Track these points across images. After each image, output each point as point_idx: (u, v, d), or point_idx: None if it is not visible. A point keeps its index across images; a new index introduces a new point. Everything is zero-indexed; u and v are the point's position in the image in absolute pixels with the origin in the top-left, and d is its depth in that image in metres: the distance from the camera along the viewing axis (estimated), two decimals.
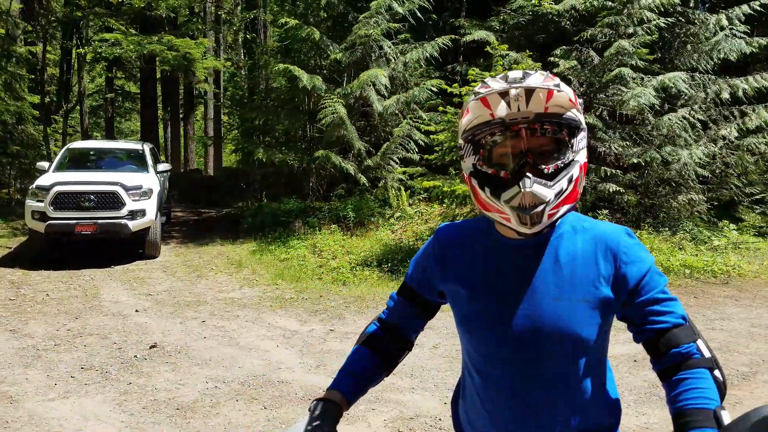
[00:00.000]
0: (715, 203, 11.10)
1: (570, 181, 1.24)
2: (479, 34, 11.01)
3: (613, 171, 9.83)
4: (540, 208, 1.20)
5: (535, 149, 1.23)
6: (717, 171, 10.87)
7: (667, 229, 9.81)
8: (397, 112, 10.98)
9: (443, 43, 11.28)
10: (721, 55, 10.69)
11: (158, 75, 21.82)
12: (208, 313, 6.62)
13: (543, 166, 1.22)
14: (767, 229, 12.01)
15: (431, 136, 8.88)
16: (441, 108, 8.72)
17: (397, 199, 11.11)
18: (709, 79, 10.66)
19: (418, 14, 11.67)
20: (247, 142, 12.43)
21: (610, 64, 10.05)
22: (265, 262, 9.38)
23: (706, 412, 1.13)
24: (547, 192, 1.20)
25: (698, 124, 10.13)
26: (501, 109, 1.21)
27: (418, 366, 4.94)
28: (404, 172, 9.32)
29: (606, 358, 1.37)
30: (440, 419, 3.96)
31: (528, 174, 1.20)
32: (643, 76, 9.92)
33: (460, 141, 1.33)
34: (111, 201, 8.86)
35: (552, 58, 10.32)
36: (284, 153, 11.76)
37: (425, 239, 9.28)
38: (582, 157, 1.27)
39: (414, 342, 1.54)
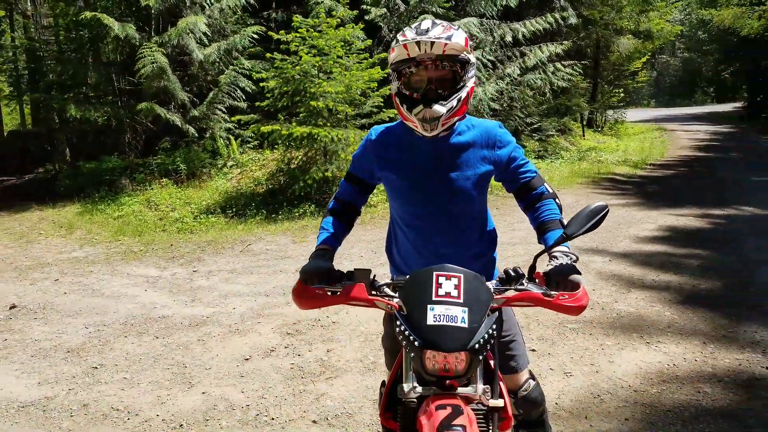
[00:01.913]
0: None
1: (459, 101, 1.85)
2: None
3: None
4: (435, 120, 1.82)
5: (437, 78, 1.83)
6: (504, 105, 12.71)
7: None
8: (218, 60, 10.91)
9: None
10: (503, 2, 12.28)
11: None
12: (57, 272, 6.40)
13: (440, 91, 1.83)
14: (544, 153, 14.47)
15: (261, 84, 9.12)
16: (268, 55, 8.96)
17: (227, 148, 11.21)
18: (495, 24, 12.28)
19: None
20: (51, 99, 11.34)
21: (414, 12, 11.10)
22: (98, 222, 9.01)
23: (556, 221, 1.90)
24: (441, 109, 1.81)
25: (489, 64, 11.74)
26: (414, 52, 1.79)
27: (287, 285, 5.50)
28: (239, 121, 9.45)
29: (486, 207, 2.11)
30: (318, 319, 4.61)
31: (430, 97, 1.80)
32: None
33: (389, 70, 1.90)
34: None
35: (364, 6, 11.09)
36: (97, 108, 11.04)
37: (264, 184, 9.69)
38: (470, 84, 1.89)
39: (361, 211, 2.13)
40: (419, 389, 1.54)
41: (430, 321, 1.49)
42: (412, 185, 1.94)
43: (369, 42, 9.65)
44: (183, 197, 9.76)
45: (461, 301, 1.51)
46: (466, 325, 1.49)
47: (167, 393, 3.52)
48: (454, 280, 1.54)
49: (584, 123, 20.39)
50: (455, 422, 1.39)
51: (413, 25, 1.83)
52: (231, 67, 10.66)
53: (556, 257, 1.73)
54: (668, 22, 27.30)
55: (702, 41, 40.61)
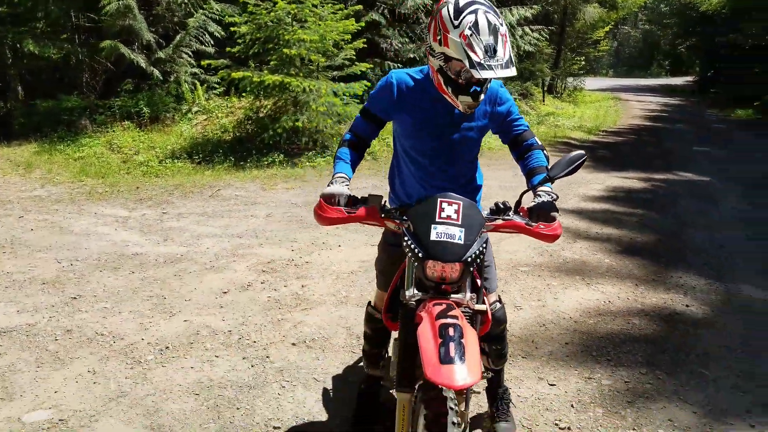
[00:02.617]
0: None
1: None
2: None
3: (393, 65, 11.19)
4: (475, 105, 2.06)
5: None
6: None
7: None
8: (186, 1, 10.71)
9: None
10: None
11: None
12: (20, 210, 6.44)
13: (483, 85, 2.01)
14: None
15: (232, 29, 9.06)
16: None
17: (192, 93, 11.12)
18: None
19: None
20: (5, 32, 10.91)
21: None
22: (57, 162, 8.92)
23: (542, 167, 2.20)
24: (482, 98, 2.03)
25: None
26: (477, 75, 1.87)
27: (260, 229, 5.75)
28: (209, 65, 9.39)
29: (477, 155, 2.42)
30: (292, 259, 4.90)
31: (477, 88, 1.97)
32: None
33: (435, 45, 1.97)
34: None
35: None
36: (55, 44, 10.72)
37: (232, 132, 9.74)
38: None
39: (371, 144, 2.38)
40: (419, 294, 1.87)
41: (433, 237, 1.81)
42: (425, 130, 2.21)
43: None
44: (147, 141, 9.72)
45: (459, 223, 1.83)
46: (462, 242, 1.81)
47: (149, 320, 3.77)
48: (455, 206, 1.86)
49: (545, 89, 20.86)
50: (449, 314, 1.71)
51: (480, 37, 1.87)
52: (201, 10, 10.48)
53: (539, 195, 2.05)
54: None
55: (663, 14, 41.43)
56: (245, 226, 5.85)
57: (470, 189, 2.37)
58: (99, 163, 8.82)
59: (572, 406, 2.88)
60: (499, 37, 1.88)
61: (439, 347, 1.57)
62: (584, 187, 7.98)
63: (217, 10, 10.68)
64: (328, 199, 1.97)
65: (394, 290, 2.17)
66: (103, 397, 2.88)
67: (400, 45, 11.45)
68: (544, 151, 2.28)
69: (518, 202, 2.03)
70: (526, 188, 2.09)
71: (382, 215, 1.95)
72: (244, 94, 10.35)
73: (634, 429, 2.71)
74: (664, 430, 2.70)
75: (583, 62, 24.48)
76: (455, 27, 1.88)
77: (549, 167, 2.08)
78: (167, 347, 3.40)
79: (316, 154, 8.93)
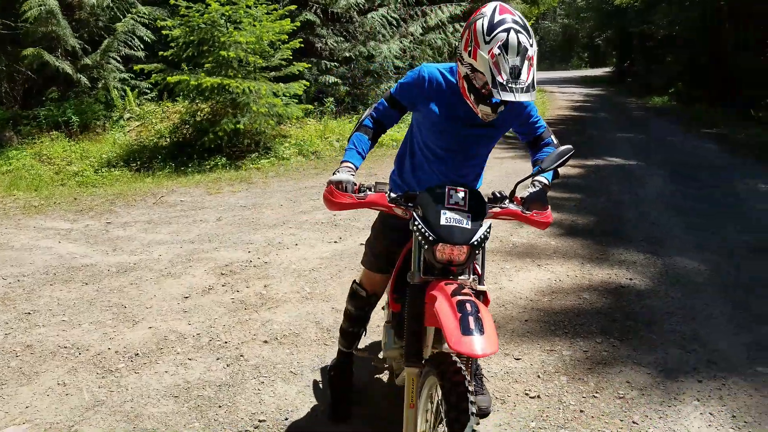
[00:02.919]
0: None
1: None
2: None
3: (330, 64, 11.26)
4: (494, 117, 2.14)
5: None
6: (406, 63, 13.18)
7: None
8: (111, 5, 10.36)
9: None
10: None
11: None
12: None
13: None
14: None
15: (164, 32, 8.85)
16: (172, 1, 8.68)
17: (123, 100, 10.78)
18: None
19: None
20: None
21: None
22: None
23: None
24: (500, 110, 2.09)
25: (394, 22, 12.10)
26: (497, 96, 1.92)
27: (212, 233, 5.70)
28: (141, 69, 9.12)
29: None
30: (250, 261, 4.90)
31: (497, 100, 2.05)
32: None
33: (465, 54, 2.02)
34: None
35: None
36: None
37: (168, 137, 9.52)
38: None
39: (387, 131, 2.46)
40: (425, 276, 1.99)
41: (443, 222, 1.93)
42: (449, 127, 2.29)
43: None
44: (79, 150, 9.37)
45: (466, 209, 1.97)
46: (469, 227, 1.94)
47: (113, 330, 3.70)
48: (461, 194, 1.99)
49: None
50: (463, 292, 1.83)
51: (508, 57, 1.91)
52: (129, 15, 10.16)
53: (533, 185, 2.23)
54: None
55: (580, 8, 43.33)
56: (196, 231, 5.78)
57: (478, 182, 2.55)
58: (30, 175, 8.43)
59: (539, 376, 3.08)
60: (526, 61, 1.92)
61: (459, 321, 1.70)
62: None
63: (146, 14, 10.40)
64: (337, 185, 2.08)
65: (399, 273, 2.29)
66: (79, 407, 2.83)
67: (335, 44, 11.52)
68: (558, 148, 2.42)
69: (512, 192, 2.19)
70: (519, 179, 2.24)
71: (390, 202, 2.07)
72: (178, 98, 10.14)
73: (596, 392, 2.94)
74: (624, 391, 2.94)
75: None
76: (486, 43, 1.93)
77: (542, 160, 2.21)
78: (137, 354, 3.36)
79: (259, 155, 8.88)
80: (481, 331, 1.70)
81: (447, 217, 1.94)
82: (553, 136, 2.45)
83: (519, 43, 1.92)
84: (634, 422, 2.70)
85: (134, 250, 5.28)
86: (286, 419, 2.75)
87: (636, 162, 9.44)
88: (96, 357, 3.35)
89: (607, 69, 37.28)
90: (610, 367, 3.17)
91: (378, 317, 3.43)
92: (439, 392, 1.76)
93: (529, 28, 2.00)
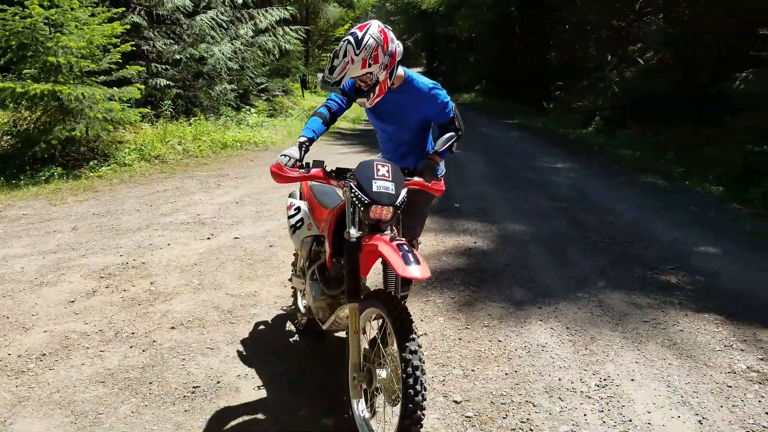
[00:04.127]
0: (241, 92, 13.67)
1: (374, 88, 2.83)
2: None
3: (161, 67, 11.00)
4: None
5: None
6: (237, 65, 13.29)
7: (212, 114, 11.81)
8: None
9: None
10: None
11: None
12: None
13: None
14: (274, 112, 15.53)
15: None
16: None
17: None
18: None
19: None
20: None
21: None
22: None
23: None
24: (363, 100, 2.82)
25: (224, 24, 12.15)
26: None
27: (72, 242, 5.54)
28: None
29: (428, 133, 3.12)
30: (126, 263, 4.94)
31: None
32: None
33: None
34: None
35: None
36: None
37: None
38: (379, 75, 2.81)
39: (338, 118, 3.05)
40: (360, 233, 2.48)
41: (374, 189, 2.44)
42: (382, 117, 3.03)
43: None
44: None
45: (390, 179, 2.51)
46: (393, 192, 2.48)
47: (4, 338, 3.61)
48: (387, 167, 2.53)
49: (305, 84, 22.06)
50: (397, 239, 2.38)
51: (332, 60, 2.70)
52: None
53: (426, 161, 2.88)
54: None
55: (390, 12, 46.05)
56: (54, 242, 5.57)
57: (410, 159, 3.17)
58: None
59: (422, 320, 3.76)
60: (342, 62, 2.63)
61: (402, 257, 2.24)
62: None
63: None
64: (285, 161, 2.60)
65: (334, 235, 2.77)
66: (4, 405, 2.86)
67: (164, 47, 11.28)
68: (458, 133, 3.05)
69: (415, 167, 2.87)
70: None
71: (326, 176, 2.64)
72: None
73: (467, 325, 3.69)
74: (487, 321, 3.74)
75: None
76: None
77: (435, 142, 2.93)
78: (43, 354, 3.38)
79: (98, 163, 8.51)
80: (418, 262, 2.27)
81: (378, 185, 2.47)
82: (457, 125, 3.09)
83: (344, 51, 2.63)
84: (499, 340, 3.50)
85: None
86: (218, 382, 3.07)
87: (456, 150, 10.71)
88: None
89: (419, 69, 40.25)
90: (473, 307, 3.97)
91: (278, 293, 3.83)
92: (384, 313, 2.31)
93: (362, 39, 2.65)
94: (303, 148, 2.72)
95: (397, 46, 2.87)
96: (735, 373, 3.17)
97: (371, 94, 2.81)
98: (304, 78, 23.65)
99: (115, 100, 8.55)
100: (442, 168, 3.16)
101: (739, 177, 7.49)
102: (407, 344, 2.23)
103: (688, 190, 7.60)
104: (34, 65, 7.96)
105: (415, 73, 3.06)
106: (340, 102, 3.02)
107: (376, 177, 2.50)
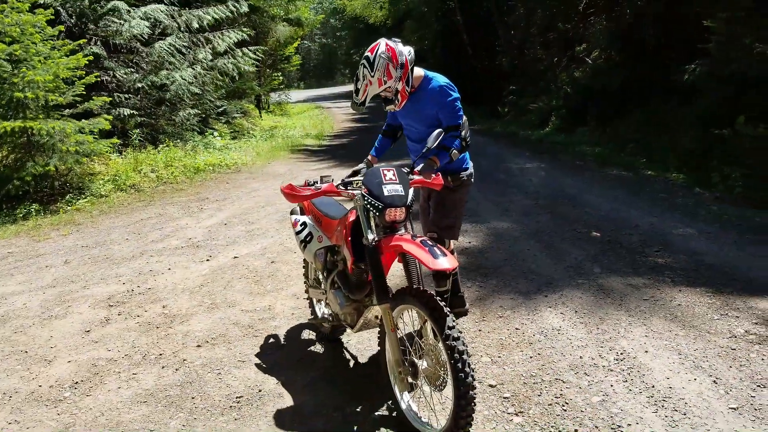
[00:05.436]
0: (202, 116, 13.61)
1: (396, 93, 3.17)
2: None
3: (124, 96, 10.90)
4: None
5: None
6: (198, 89, 13.23)
7: (178, 140, 11.75)
8: None
9: None
10: None
11: None
12: None
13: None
14: (236, 134, 15.50)
15: None
16: None
17: None
18: (177, 11, 12.63)
19: None
20: None
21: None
22: None
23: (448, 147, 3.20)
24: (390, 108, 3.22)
25: (182, 50, 12.13)
26: None
27: (69, 274, 5.50)
28: None
29: None
30: (132, 290, 4.94)
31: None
32: (129, 9, 11.09)
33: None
34: None
35: None
36: None
37: None
38: (394, 84, 3.15)
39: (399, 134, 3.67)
40: (377, 237, 2.63)
41: (386, 193, 2.61)
42: (406, 118, 3.48)
43: (61, 27, 9.14)
44: None
45: (398, 181, 2.68)
46: (403, 194, 2.65)
47: (29, 372, 3.60)
48: (392, 171, 2.70)
49: (259, 105, 22.04)
50: (416, 236, 2.52)
51: (354, 83, 3.24)
52: None
53: (423, 159, 3.11)
54: (311, 10, 30.87)
55: (336, 27, 46.48)
56: (50, 277, 5.51)
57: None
58: None
59: None
60: (362, 84, 3.10)
61: (429, 251, 2.40)
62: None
63: None
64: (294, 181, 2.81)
65: (352, 244, 2.89)
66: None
67: (124, 76, 11.18)
68: (462, 134, 3.28)
69: (412, 167, 3.04)
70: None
71: (336, 188, 2.79)
72: None
73: (483, 318, 3.89)
74: (501, 312, 3.95)
75: (281, 77, 26.42)
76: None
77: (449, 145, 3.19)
78: (77, 383, 3.40)
79: (74, 196, 8.39)
80: (445, 254, 2.44)
81: (388, 189, 2.64)
82: (463, 131, 3.30)
83: (362, 75, 3.10)
84: (516, 328, 3.71)
85: None
86: (260, 391, 3.17)
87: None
88: (32, 395, 3.31)
89: None
90: (485, 300, 4.17)
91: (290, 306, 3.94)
92: (419, 308, 2.48)
93: (374, 60, 3.04)
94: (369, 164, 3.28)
95: (407, 55, 3.11)
96: (736, 337, 3.47)
97: (396, 101, 3.16)
98: (259, 98, 23.64)
99: (85, 133, 8.47)
100: (470, 165, 3.58)
101: (697, 163, 8.01)
102: (449, 332, 2.39)
103: (653, 179, 8.06)
104: (2, 102, 7.83)
105: (433, 72, 3.31)
106: (392, 122, 3.62)
107: (384, 182, 2.67)
